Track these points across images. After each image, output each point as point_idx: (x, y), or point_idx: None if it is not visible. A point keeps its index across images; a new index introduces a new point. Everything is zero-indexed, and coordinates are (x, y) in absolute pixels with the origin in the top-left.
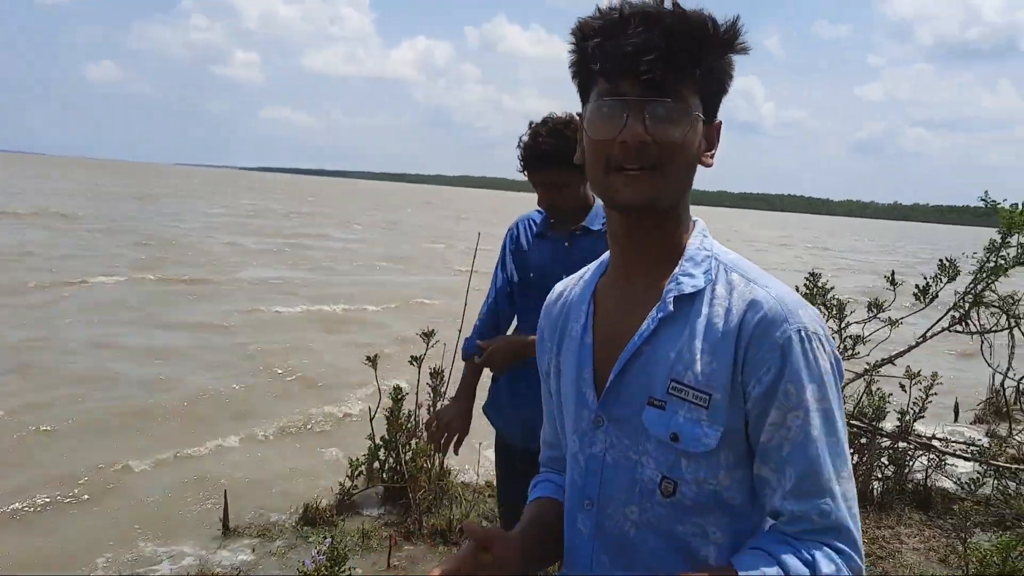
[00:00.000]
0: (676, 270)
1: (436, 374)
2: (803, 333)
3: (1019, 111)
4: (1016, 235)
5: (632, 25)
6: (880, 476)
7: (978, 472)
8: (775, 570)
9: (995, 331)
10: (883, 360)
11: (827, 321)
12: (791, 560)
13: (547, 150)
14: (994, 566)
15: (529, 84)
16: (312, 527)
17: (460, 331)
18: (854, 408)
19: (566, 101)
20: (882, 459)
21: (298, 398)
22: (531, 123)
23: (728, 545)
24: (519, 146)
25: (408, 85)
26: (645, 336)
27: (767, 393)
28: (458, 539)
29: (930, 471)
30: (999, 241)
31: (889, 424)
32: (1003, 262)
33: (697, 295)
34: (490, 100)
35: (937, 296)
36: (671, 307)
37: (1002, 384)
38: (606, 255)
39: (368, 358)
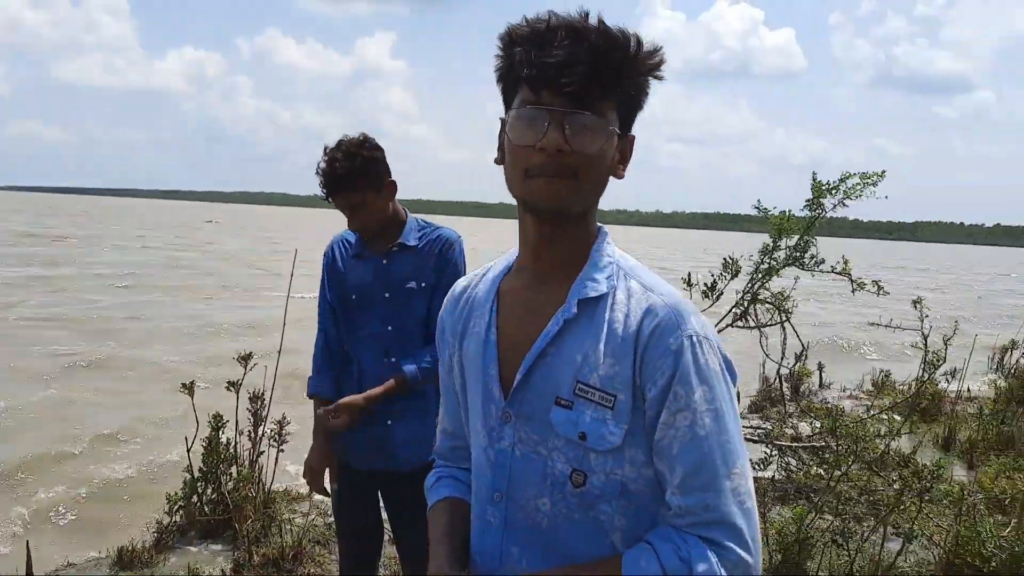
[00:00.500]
0: (580, 274)
1: (256, 398)
2: (694, 339)
3: (755, 127)
4: (785, 239)
5: (559, 38)
6: None
7: (765, 452)
8: (655, 567)
9: (770, 325)
10: None
11: None
12: (670, 557)
13: (343, 173)
14: (791, 535)
15: (305, 99)
16: (129, 570)
17: (280, 351)
18: None
19: (345, 116)
20: None
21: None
22: (325, 147)
23: (631, 528)
24: (317, 172)
25: (176, 97)
26: (550, 337)
27: (660, 395)
28: (292, 567)
29: None
30: (771, 244)
31: None
32: (775, 263)
33: (600, 299)
34: (265, 113)
35: (723, 294)
36: (575, 309)
37: (777, 372)
38: (510, 253)
39: (184, 385)
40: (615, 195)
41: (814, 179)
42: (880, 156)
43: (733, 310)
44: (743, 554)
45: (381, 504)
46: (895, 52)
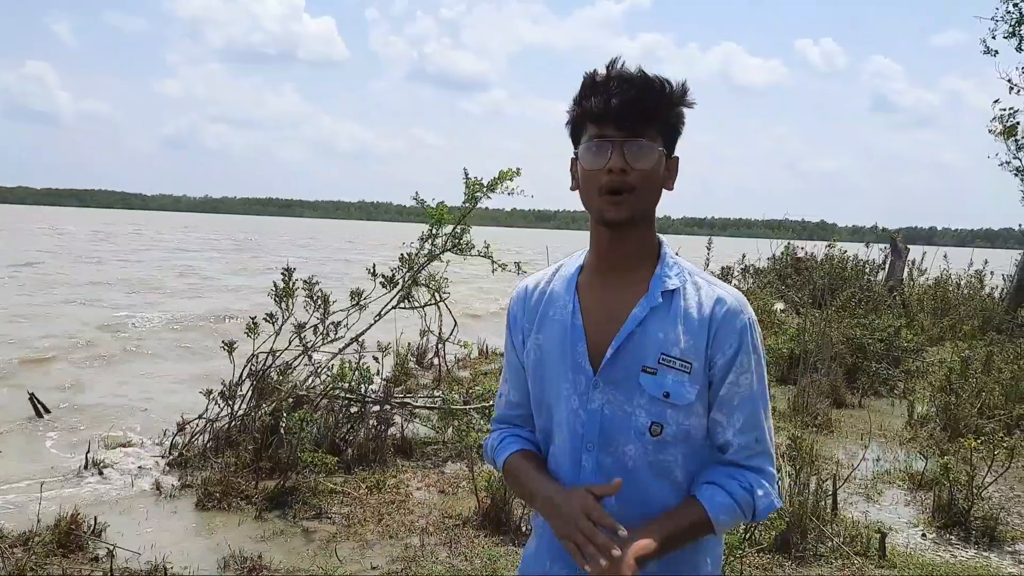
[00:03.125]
0: (657, 271)
1: None
2: (750, 321)
3: (303, 112)
4: (441, 227)
5: (613, 86)
6: (372, 436)
7: (432, 419)
8: (726, 497)
9: (428, 305)
10: (352, 339)
11: (313, 311)
12: (736, 489)
13: None
14: (498, 490)
15: None
16: None
17: None
18: (348, 383)
19: None
20: (371, 421)
21: None
22: None
23: (688, 468)
24: None
25: None
26: (637, 321)
27: (727, 362)
28: None
29: (405, 425)
30: (430, 232)
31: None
32: (435, 249)
33: (675, 292)
34: None
35: (399, 283)
36: (659, 299)
37: (436, 344)
38: (576, 255)
39: None
40: (158, 178)
41: (466, 176)
42: (420, 145)
43: (399, 292)
44: (773, 471)
45: None
46: (426, 50)
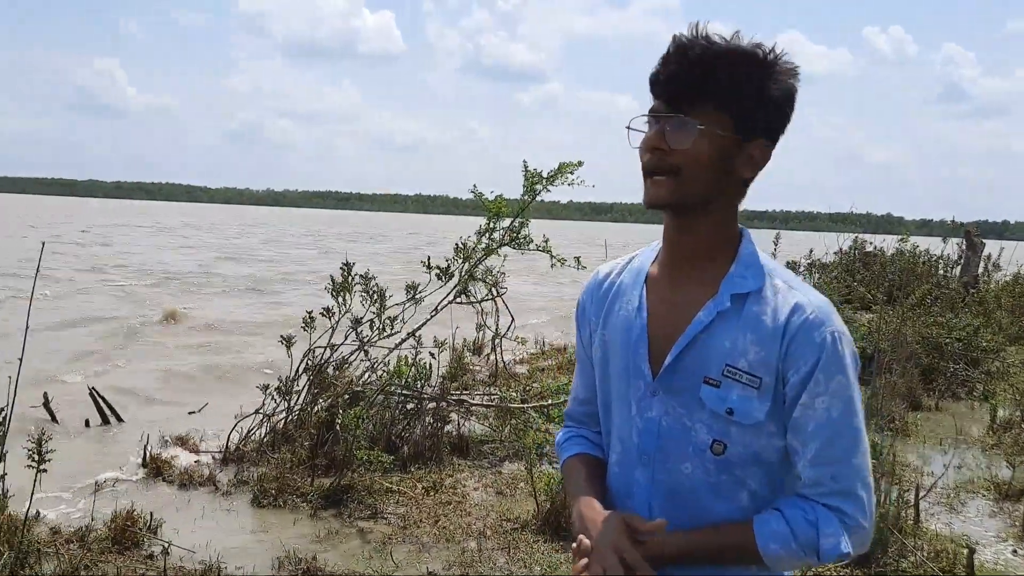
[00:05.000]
0: (731, 270)
1: None
2: (835, 335)
3: (361, 106)
4: (499, 220)
5: (671, 57)
6: (428, 433)
7: (489, 417)
8: (782, 526)
9: (485, 300)
10: (408, 334)
11: (369, 305)
12: (799, 520)
13: None
14: (558, 494)
15: None
16: None
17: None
18: (404, 379)
19: None
20: (427, 419)
21: None
22: None
23: (760, 492)
24: None
25: None
26: (702, 326)
27: (803, 380)
28: None
29: (462, 423)
30: (488, 226)
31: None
32: (492, 243)
33: (748, 295)
34: None
35: (455, 275)
36: (728, 303)
37: (493, 340)
38: (653, 245)
39: None
40: (223, 171)
41: (525, 168)
42: (474, 137)
43: (456, 288)
44: (862, 521)
45: None
46: (481, 42)
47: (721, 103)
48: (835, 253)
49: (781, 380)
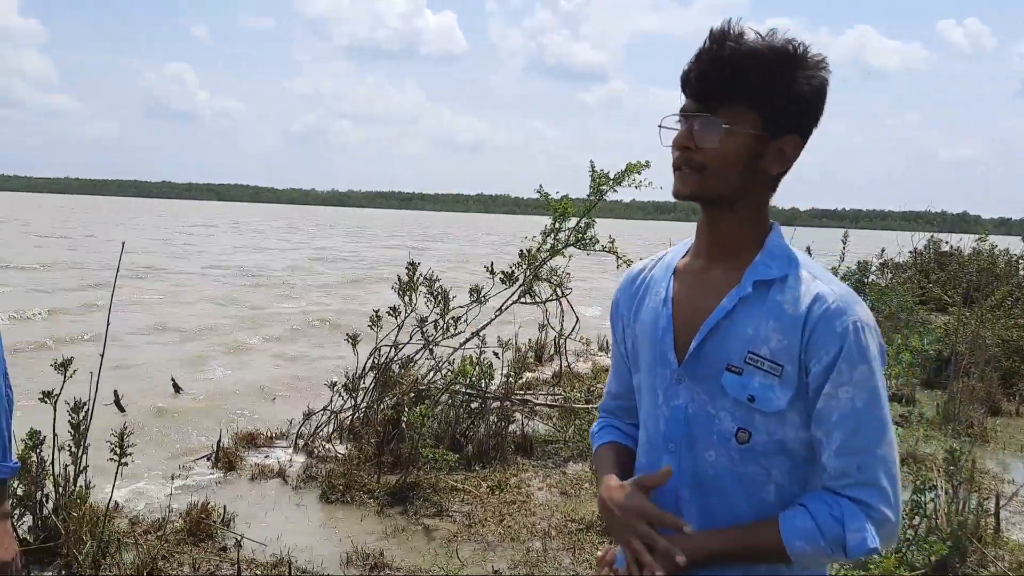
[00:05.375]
0: (756, 259)
1: (77, 408)
2: (858, 324)
3: (423, 107)
4: (565, 220)
5: (701, 56)
6: (492, 432)
7: (553, 417)
8: (807, 521)
9: (549, 300)
10: (472, 334)
11: (433, 307)
12: (824, 515)
13: None
14: None
15: None
16: None
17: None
18: (469, 379)
19: None
20: (490, 418)
21: None
22: None
23: (786, 485)
24: None
25: None
26: (724, 312)
27: (825, 370)
28: None
29: (526, 422)
30: (553, 226)
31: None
32: (558, 244)
33: (772, 283)
34: None
35: (520, 279)
36: (750, 289)
37: (556, 340)
38: (686, 241)
39: None
40: (286, 172)
41: (592, 168)
42: (537, 137)
43: (520, 288)
44: (888, 512)
45: None
46: (544, 42)
47: (750, 101)
48: (909, 253)
49: (803, 369)
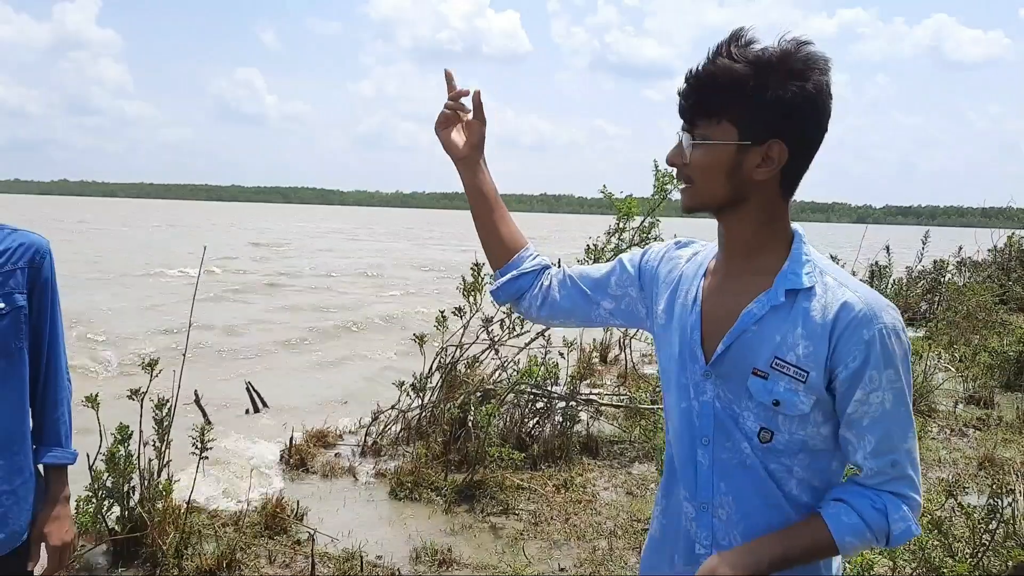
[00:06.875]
0: (784, 267)
1: (161, 405)
2: (884, 331)
3: (487, 107)
4: (629, 220)
5: (687, 77)
6: (557, 432)
7: (619, 418)
8: (854, 518)
9: None
10: (538, 334)
11: (499, 307)
12: (867, 509)
13: None
14: None
15: None
16: None
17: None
18: (535, 379)
19: (46, 90)
20: (556, 417)
21: None
22: None
23: (807, 479)
24: None
25: None
26: (754, 318)
27: (853, 376)
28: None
29: (591, 422)
30: (618, 226)
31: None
32: (622, 243)
33: (801, 292)
34: None
35: None
36: (782, 298)
37: (621, 340)
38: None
39: (87, 398)
40: (352, 175)
41: (656, 167)
42: (601, 136)
43: None
44: (919, 498)
45: None
46: (607, 39)
47: (723, 114)
48: (988, 251)
49: (829, 374)
